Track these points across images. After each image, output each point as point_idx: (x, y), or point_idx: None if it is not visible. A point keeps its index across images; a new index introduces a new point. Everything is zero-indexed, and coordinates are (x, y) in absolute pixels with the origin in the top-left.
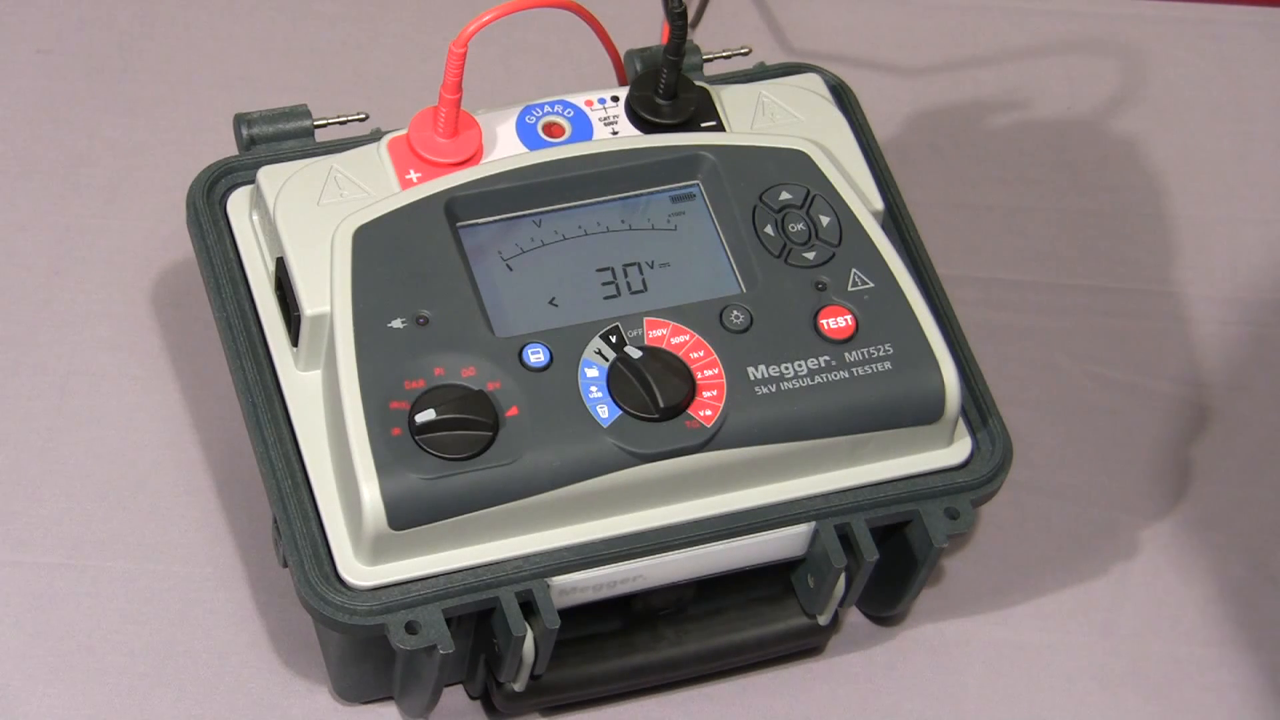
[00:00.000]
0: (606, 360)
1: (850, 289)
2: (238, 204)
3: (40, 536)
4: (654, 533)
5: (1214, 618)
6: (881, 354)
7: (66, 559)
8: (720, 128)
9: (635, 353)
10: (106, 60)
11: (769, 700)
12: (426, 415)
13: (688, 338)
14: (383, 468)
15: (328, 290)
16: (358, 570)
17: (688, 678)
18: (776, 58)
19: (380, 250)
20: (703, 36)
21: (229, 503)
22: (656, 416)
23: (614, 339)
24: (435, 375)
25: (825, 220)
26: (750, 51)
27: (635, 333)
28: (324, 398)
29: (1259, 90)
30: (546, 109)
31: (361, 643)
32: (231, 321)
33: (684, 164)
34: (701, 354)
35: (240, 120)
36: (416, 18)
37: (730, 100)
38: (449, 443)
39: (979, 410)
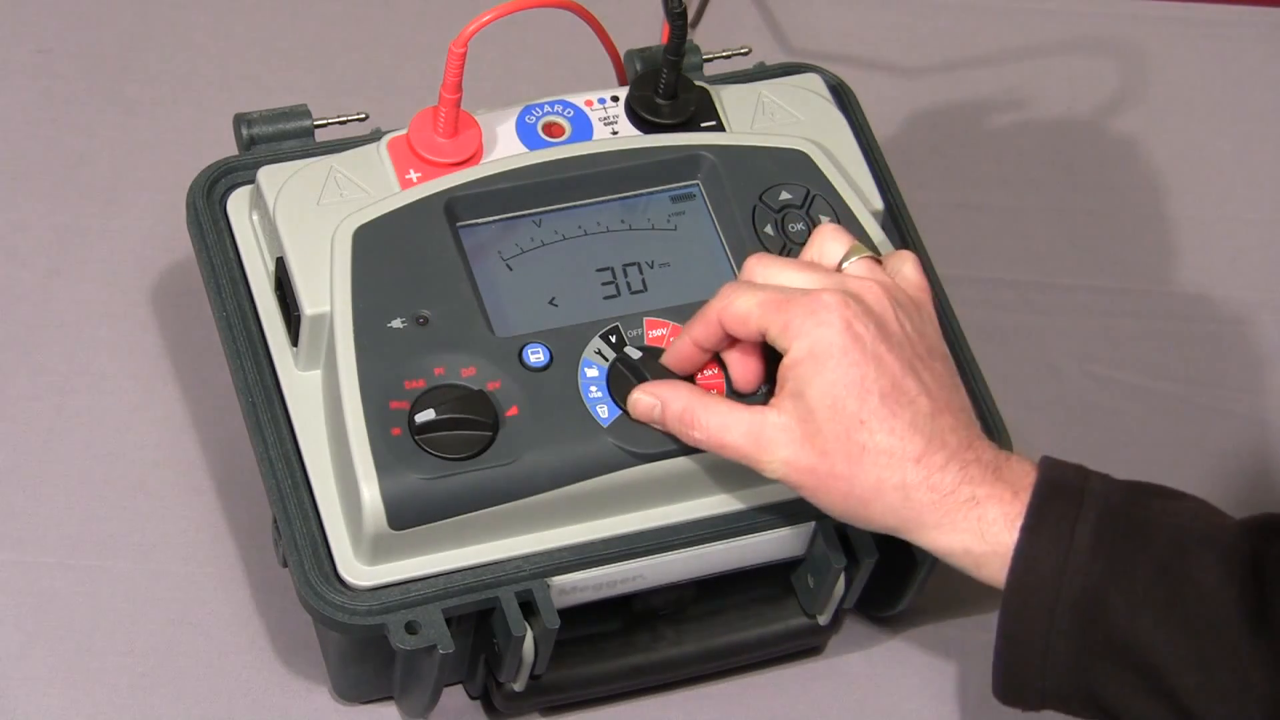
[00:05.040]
0: (606, 360)
1: None
2: (238, 204)
3: (40, 536)
4: (654, 533)
5: None
6: None
7: (66, 559)
8: (720, 128)
9: (635, 353)
10: (106, 60)
11: (769, 700)
12: (426, 415)
13: None
14: (383, 468)
15: (328, 290)
16: (358, 570)
17: (688, 678)
18: (776, 58)
19: (380, 250)
20: (703, 36)
21: (229, 503)
22: None
23: (614, 339)
24: (435, 375)
25: (825, 220)
26: (750, 51)
27: (635, 333)
28: (324, 397)
29: (1259, 90)
30: (546, 109)
31: (361, 643)
32: (231, 321)
33: (684, 164)
34: None
35: (240, 120)
36: (416, 18)
37: (730, 100)
38: (449, 443)
39: (979, 410)
